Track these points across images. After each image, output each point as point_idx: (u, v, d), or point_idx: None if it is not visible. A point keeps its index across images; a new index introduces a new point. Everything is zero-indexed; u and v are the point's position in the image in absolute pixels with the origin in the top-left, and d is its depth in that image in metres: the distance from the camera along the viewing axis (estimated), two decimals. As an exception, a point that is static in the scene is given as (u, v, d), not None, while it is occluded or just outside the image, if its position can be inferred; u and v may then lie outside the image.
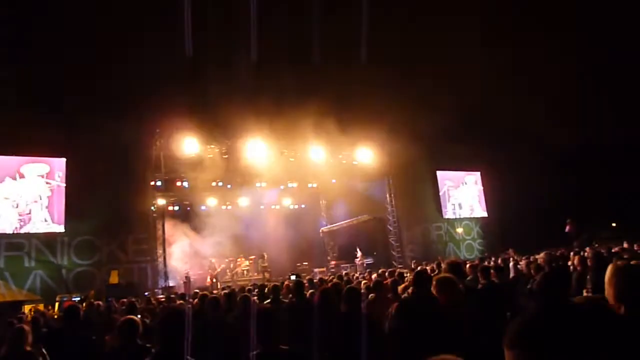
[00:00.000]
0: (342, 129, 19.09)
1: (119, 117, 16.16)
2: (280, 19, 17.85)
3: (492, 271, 6.31)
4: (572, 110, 21.35)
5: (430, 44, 19.99)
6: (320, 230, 25.95)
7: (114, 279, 15.39)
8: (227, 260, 22.30)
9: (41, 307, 12.68)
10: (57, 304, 13.45)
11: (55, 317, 10.07)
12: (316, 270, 21.97)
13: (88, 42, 16.01)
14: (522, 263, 8.19)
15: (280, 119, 17.83)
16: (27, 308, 12.13)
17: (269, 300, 6.27)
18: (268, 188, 23.37)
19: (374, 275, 9.87)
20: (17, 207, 15.10)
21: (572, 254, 9.64)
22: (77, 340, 4.61)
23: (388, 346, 3.70)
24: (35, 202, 15.38)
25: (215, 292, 13.15)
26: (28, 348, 4.21)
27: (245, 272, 22.03)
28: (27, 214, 15.21)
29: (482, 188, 25.01)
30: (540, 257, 8.20)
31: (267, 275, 20.90)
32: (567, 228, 17.90)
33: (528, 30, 19.38)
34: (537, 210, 20.95)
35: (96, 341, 4.68)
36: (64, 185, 15.74)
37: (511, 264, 9.82)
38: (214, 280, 20.10)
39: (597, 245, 13.43)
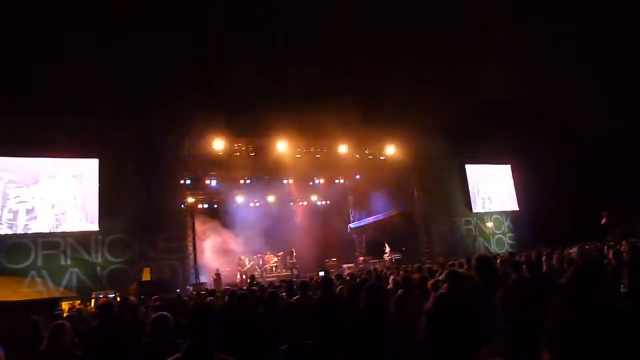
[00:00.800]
0: (369, 124, 19.01)
1: (149, 117, 16.48)
2: (306, 17, 17.84)
3: (523, 266, 6.19)
4: (605, 101, 20.70)
5: (458, 36, 19.67)
6: (348, 226, 25.95)
7: (146, 276, 15.72)
8: (255, 256, 22.57)
9: (77, 303, 13.06)
10: (93, 301, 13.85)
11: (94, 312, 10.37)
12: (344, 266, 22.01)
13: (118, 43, 16.34)
14: (555, 257, 7.99)
15: (306, 116, 17.87)
16: (64, 305, 12.50)
17: (297, 297, 6.31)
18: (295, 184, 23.51)
19: (402, 272, 9.79)
20: (53, 207, 15.57)
21: (606, 247, 9.36)
22: (111, 336, 4.73)
23: (424, 342, 3.66)
24: (70, 202, 15.83)
25: (245, 288, 13.31)
26: (67, 343, 4.34)
27: (273, 268, 22.26)
28: (63, 213, 15.66)
29: (512, 181, 24.54)
30: (573, 250, 7.99)
31: (295, 271, 21.06)
32: (603, 221, 17.39)
33: (558, 18, 18.85)
34: (570, 203, 20.41)
35: (129, 337, 4.79)
36: (97, 185, 16.14)
37: (543, 258, 9.58)
38: (244, 276, 20.37)
39: (634, 240, 12.99)
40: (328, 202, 26.75)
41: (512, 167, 24.59)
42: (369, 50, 19.56)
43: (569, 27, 18.75)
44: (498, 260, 6.78)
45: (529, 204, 23.38)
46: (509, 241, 23.42)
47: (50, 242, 15.18)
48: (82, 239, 15.64)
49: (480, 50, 19.34)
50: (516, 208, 24.21)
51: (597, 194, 19.32)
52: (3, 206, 14.77)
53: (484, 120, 21.42)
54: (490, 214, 23.53)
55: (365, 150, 21.14)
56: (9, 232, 14.65)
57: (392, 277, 8.35)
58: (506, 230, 23.78)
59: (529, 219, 23.10)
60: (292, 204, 25.58)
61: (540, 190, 21.88)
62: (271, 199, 24.36)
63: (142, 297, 11.39)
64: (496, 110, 21.41)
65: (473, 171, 23.40)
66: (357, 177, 24.92)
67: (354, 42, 19.02)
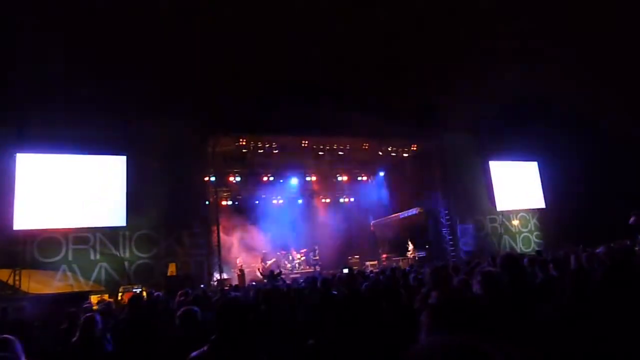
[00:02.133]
0: (393, 121, 18.90)
1: (175, 114, 16.71)
2: (330, 16, 17.76)
3: (550, 265, 6.10)
4: (637, 97, 20.11)
5: (484, 31, 19.37)
6: (371, 224, 25.90)
7: (172, 271, 16.00)
8: (279, 253, 22.75)
9: (106, 297, 13.39)
10: (120, 294, 14.17)
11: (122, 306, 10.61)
12: (367, 263, 22.02)
13: (145, 42, 16.58)
14: (583, 256, 7.81)
15: (329, 112, 17.86)
16: (94, 298, 12.82)
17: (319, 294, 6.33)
18: (318, 182, 23.61)
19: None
20: (83, 203, 15.91)
21: (637, 247, 9.15)
22: (140, 329, 4.85)
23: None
24: (99, 198, 16.17)
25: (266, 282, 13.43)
26: (98, 336, 4.47)
27: (297, 265, 22.38)
28: (92, 209, 15.99)
29: (539, 179, 24.07)
30: (602, 250, 7.80)
31: (318, 268, 21.15)
32: (632, 220, 16.92)
33: (591, 11, 18.37)
34: (599, 201, 19.93)
35: (158, 329, 4.90)
36: (125, 181, 16.45)
37: (572, 257, 9.41)
38: (266, 272, 20.55)
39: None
40: (351, 199, 26.75)
41: (539, 164, 24.12)
42: (392, 44, 19.43)
43: (598, 21, 18.29)
44: (525, 260, 6.69)
45: (557, 201, 22.91)
46: (536, 239, 23.03)
47: (81, 238, 15.56)
48: (111, 234, 15.98)
49: (507, 45, 19.02)
50: (543, 206, 23.76)
51: (627, 193, 18.83)
52: (35, 202, 15.19)
53: (510, 116, 21.07)
54: (516, 211, 23.15)
55: (389, 147, 21.08)
56: (42, 227, 15.07)
57: (412, 276, 8.32)
58: (533, 228, 23.39)
59: (557, 217, 22.64)
60: (314, 201, 25.66)
61: (568, 187, 21.44)
62: (294, 195, 24.49)
63: (168, 292, 11.60)
64: (523, 106, 21.04)
65: (498, 168, 23.04)
66: (381, 174, 24.87)
67: (377, 37, 18.90)
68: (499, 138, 22.05)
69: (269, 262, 21.32)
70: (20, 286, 13.81)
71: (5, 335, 3.58)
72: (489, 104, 19.82)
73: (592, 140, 21.15)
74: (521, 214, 23.25)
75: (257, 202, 23.72)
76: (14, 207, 14.72)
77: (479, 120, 20.48)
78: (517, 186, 23.39)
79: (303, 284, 9.06)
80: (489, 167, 22.69)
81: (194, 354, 2.83)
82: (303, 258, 22.83)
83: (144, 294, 12.71)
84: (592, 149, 21.06)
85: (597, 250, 8.11)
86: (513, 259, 4.20)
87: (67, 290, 14.28)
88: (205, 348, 2.89)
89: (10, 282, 13.77)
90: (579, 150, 21.09)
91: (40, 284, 14.32)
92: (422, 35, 18.79)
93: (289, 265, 22.26)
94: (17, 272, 13.86)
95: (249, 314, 3.01)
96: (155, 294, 10.54)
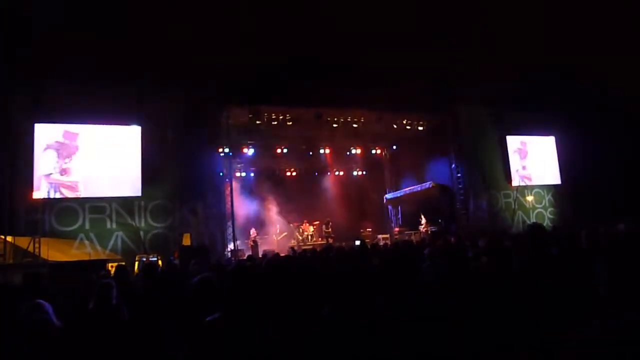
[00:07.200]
0: (408, 94, 18.64)
1: (190, 86, 16.68)
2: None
3: (562, 241, 6.06)
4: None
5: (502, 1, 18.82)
6: (384, 197, 25.91)
7: (186, 241, 16.24)
8: (291, 225, 22.95)
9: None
10: (136, 263, 14.44)
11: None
12: (380, 236, 22.13)
13: (161, 12, 16.44)
14: (598, 233, 7.74)
15: (344, 86, 17.67)
16: (110, 266, 13.08)
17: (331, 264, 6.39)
18: (332, 154, 23.56)
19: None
20: (99, 173, 16.11)
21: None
22: (155, 296, 4.95)
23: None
24: (115, 168, 16.34)
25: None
26: (114, 303, 4.57)
27: (309, 237, 22.58)
28: (108, 179, 16.18)
29: (556, 154, 23.70)
30: (620, 227, 7.72)
31: (330, 240, 21.32)
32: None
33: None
34: (617, 178, 19.62)
35: (173, 297, 4.99)
36: (140, 151, 16.58)
37: (584, 233, 9.32)
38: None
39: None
40: (364, 172, 26.72)
41: (556, 139, 23.71)
42: (408, 16, 19.02)
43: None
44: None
45: (573, 178, 22.58)
46: (550, 216, 22.83)
47: (97, 207, 15.80)
48: (126, 204, 16.20)
49: (526, 15, 18.48)
50: (559, 182, 23.46)
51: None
52: (52, 172, 15.42)
53: (528, 89, 20.63)
54: (531, 187, 22.90)
55: (403, 120, 20.88)
56: (59, 196, 15.33)
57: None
58: (547, 204, 23.14)
59: (572, 194, 22.38)
60: (328, 173, 25.70)
61: (586, 164, 21.07)
62: (308, 168, 24.54)
63: (182, 262, 11.79)
64: (541, 79, 20.57)
65: (514, 143, 22.72)
66: (394, 147, 24.74)
67: (392, 9, 18.50)
68: (516, 112, 21.67)
69: (284, 234, 21.59)
70: (39, 254, 14.13)
71: (38, 300, 3.72)
72: (507, 77, 19.41)
73: (612, 115, 20.69)
74: (536, 189, 23.00)
75: (270, 174, 23.85)
76: (33, 177, 14.97)
77: (496, 93, 20.09)
78: (533, 161, 23.07)
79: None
80: (505, 141, 22.37)
81: (208, 318, 2.89)
82: (316, 229, 23.02)
83: (160, 262, 13.01)
84: (612, 125, 20.62)
85: (614, 227, 8.04)
86: (540, 229, 4.16)
87: (85, 258, 14.59)
88: (218, 314, 2.94)
89: (30, 249, 14.08)
90: (598, 127, 20.65)
91: (58, 252, 14.63)
92: (437, 7, 18.35)
93: (301, 237, 22.47)
94: (37, 240, 14.16)
95: (261, 283, 3.05)
96: (174, 261, 10.77)
